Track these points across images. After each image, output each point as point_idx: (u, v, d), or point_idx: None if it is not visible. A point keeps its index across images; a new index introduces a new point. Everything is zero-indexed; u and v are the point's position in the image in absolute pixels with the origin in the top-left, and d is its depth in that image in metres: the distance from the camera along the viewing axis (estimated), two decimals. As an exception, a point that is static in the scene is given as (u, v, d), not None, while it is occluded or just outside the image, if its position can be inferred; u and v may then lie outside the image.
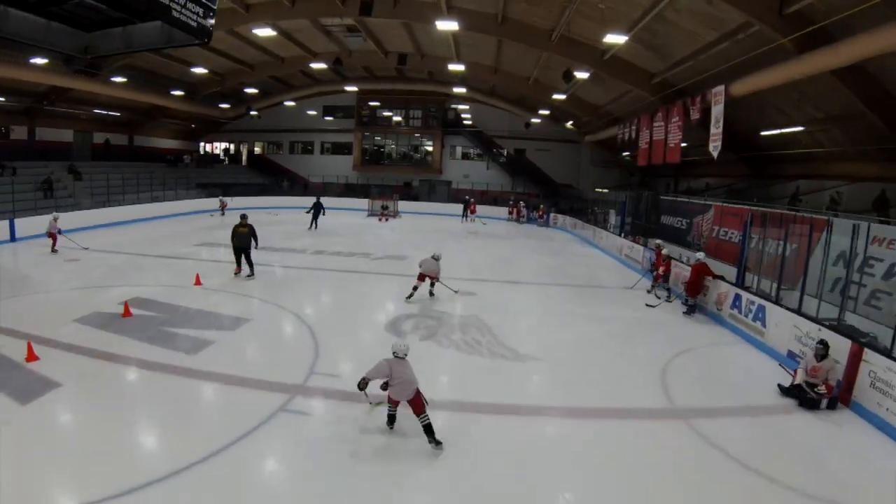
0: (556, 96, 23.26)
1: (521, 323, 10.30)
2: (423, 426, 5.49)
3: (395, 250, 18.01)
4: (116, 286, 11.51)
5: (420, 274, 11.35)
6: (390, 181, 36.57)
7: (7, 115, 26.01)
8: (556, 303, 12.00)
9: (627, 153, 32.00)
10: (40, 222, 16.93)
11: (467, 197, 30.49)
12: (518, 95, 31.10)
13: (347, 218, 28.23)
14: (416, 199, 35.36)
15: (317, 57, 26.12)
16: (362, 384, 5.56)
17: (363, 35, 20.24)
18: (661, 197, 18.05)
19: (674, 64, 16.42)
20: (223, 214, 28.03)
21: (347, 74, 30.27)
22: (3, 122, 26.41)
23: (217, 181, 34.43)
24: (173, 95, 28.71)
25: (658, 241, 13.39)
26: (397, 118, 37.92)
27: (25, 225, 17.64)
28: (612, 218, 19.97)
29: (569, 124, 32.51)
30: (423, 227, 24.85)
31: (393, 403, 5.76)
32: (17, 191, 19.63)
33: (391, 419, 5.82)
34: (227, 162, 42.27)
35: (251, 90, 32.60)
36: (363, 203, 32.35)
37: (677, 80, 17.11)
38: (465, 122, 37.43)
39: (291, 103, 32.93)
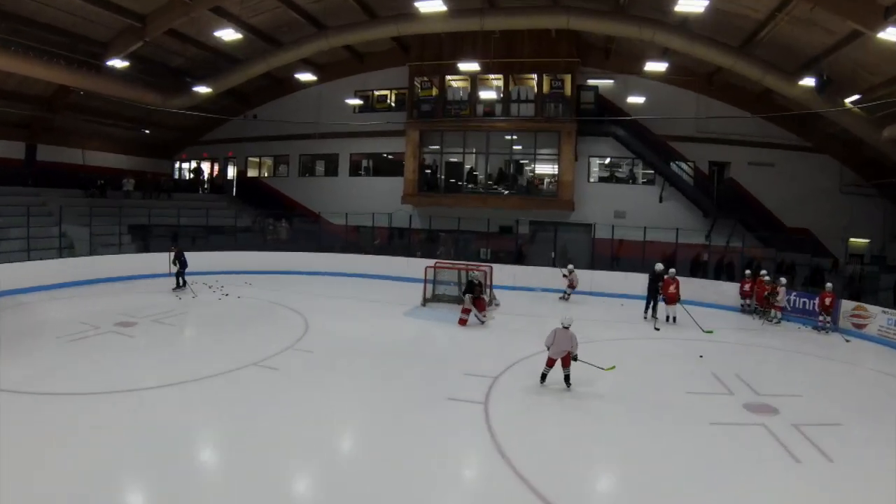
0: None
1: None
2: (564, 375, 10.04)
3: None
4: None
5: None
6: (474, 224, 23.95)
7: None
8: None
9: None
10: None
11: (660, 268, 17.00)
12: (747, 35, 19.01)
13: (382, 312, 16.90)
14: (518, 258, 23.17)
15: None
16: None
17: None
18: None
19: None
20: None
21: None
22: None
23: (165, 222, 24.69)
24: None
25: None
26: (487, 94, 25.64)
27: None
28: None
29: (849, 101, 19.35)
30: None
31: (549, 364, 10.11)
32: None
33: (543, 377, 10.22)
34: (206, 190, 32.33)
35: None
36: (419, 268, 20.09)
37: None
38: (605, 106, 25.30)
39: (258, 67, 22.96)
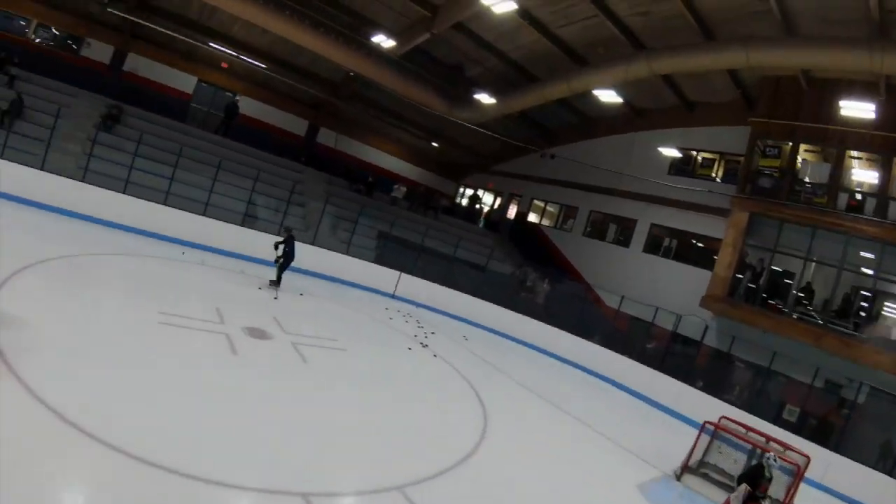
0: None
1: None
2: None
3: None
4: None
5: None
6: (791, 365, 17.54)
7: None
8: None
9: None
10: None
11: None
12: None
13: (608, 468, 11.87)
14: (827, 435, 16.04)
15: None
16: None
17: None
18: None
19: None
20: None
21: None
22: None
23: (410, 238, 23.72)
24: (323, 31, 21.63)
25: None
26: (857, 180, 19.59)
27: None
28: None
29: None
30: None
31: None
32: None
33: None
34: (481, 222, 31.09)
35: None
36: (694, 406, 15.32)
37: None
38: None
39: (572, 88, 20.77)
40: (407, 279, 21.57)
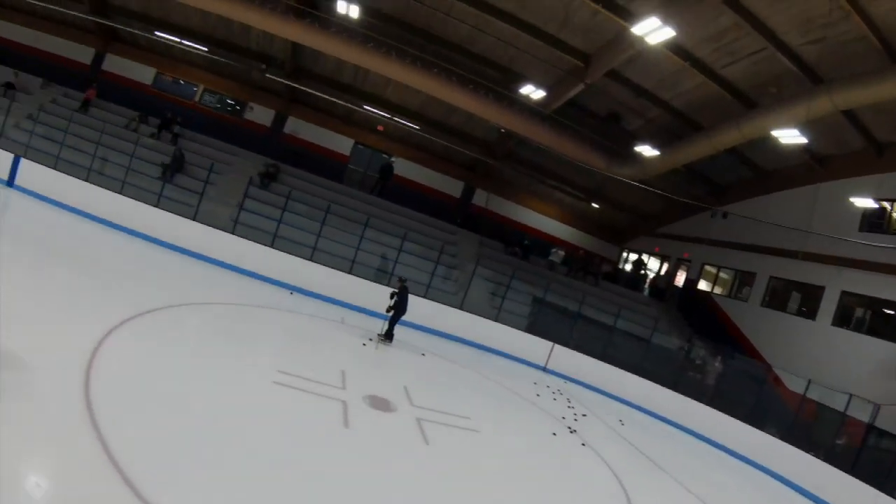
0: None
1: None
2: None
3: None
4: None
5: None
6: None
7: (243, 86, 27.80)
8: None
9: None
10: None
11: None
12: None
13: None
14: None
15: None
16: None
17: None
18: None
19: None
20: None
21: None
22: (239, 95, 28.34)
23: (568, 305, 22.61)
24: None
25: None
26: None
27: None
28: None
29: None
30: None
31: None
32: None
33: None
34: (645, 290, 29.25)
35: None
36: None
37: None
38: None
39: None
40: (560, 351, 20.48)
